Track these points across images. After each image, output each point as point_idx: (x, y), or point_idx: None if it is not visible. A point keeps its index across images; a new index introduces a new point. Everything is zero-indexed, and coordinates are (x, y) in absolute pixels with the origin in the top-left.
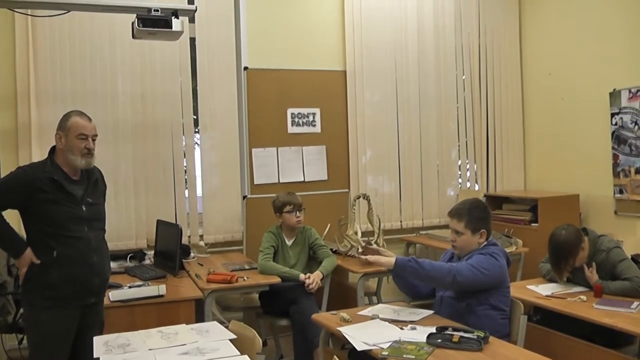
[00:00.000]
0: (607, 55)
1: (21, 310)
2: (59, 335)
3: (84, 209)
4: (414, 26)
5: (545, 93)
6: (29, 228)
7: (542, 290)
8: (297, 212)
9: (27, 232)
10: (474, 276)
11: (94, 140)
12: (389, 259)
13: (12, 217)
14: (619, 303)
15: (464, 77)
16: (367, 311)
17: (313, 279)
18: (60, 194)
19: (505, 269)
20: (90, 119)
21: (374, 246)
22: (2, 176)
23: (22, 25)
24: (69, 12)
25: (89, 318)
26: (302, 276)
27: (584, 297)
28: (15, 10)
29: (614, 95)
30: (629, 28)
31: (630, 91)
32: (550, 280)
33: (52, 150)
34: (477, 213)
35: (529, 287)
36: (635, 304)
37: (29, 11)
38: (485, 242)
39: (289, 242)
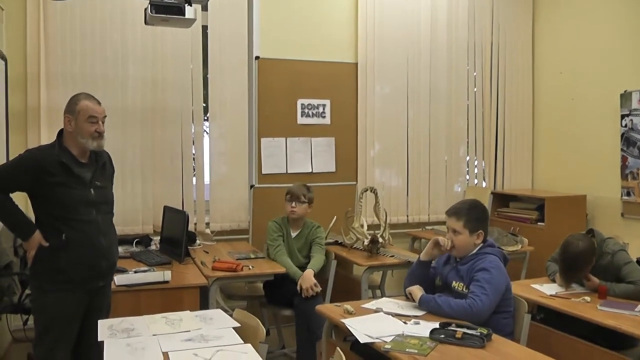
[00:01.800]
0: (619, 56)
1: (27, 291)
2: (65, 318)
3: (92, 192)
4: (427, 21)
5: (556, 92)
6: (38, 211)
7: (547, 290)
8: (294, 203)
9: (36, 215)
10: (490, 302)
11: (103, 122)
12: (417, 294)
13: (21, 200)
14: (623, 305)
15: (475, 74)
16: (371, 304)
17: (306, 288)
18: (69, 177)
19: (506, 272)
20: (99, 102)
21: None
22: (10, 158)
23: (34, 7)
24: None
25: (97, 301)
26: (299, 284)
27: (588, 298)
28: None
29: (625, 97)
30: None
31: None
32: (554, 281)
33: (60, 133)
34: (476, 213)
35: (533, 286)
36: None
37: None
38: (482, 244)
39: (293, 234)
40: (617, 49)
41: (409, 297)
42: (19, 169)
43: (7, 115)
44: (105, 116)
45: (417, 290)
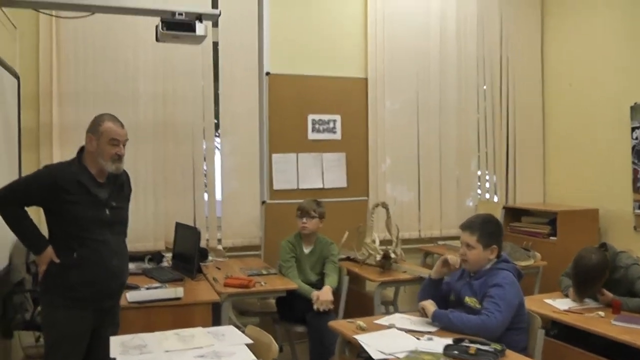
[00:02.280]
0: (629, 68)
1: (39, 308)
2: (74, 336)
3: (107, 212)
4: (436, 35)
5: (566, 105)
6: (51, 227)
7: (560, 305)
8: (305, 219)
9: (50, 231)
10: (503, 319)
11: (124, 145)
12: (430, 311)
13: (34, 214)
14: (637, 320)
15: (484, 87)
16: (384, 320)
17: (322, 301)
18: (85, 196)
19: (520, 288)
20: (122, 125)
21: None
22: (22, 174)
23: (47, 26)
24: (93, 13)
25: (105, 320)
26: (314, 294)
27: (602, 313)
28: (40, 10)
29: (635, 109)
30: None
31: None
32: (567, 296)
33: (81, 150)
34: (490, 228)
35: (547, 301)
36: None
37: (54, 12)
38: (496, 259)
39: (306, 251)
40: (627, 60)
41: (422, 313)
42: (36, 184)
43: (19, 132)
44: (127, 139)
45: (430, 306)
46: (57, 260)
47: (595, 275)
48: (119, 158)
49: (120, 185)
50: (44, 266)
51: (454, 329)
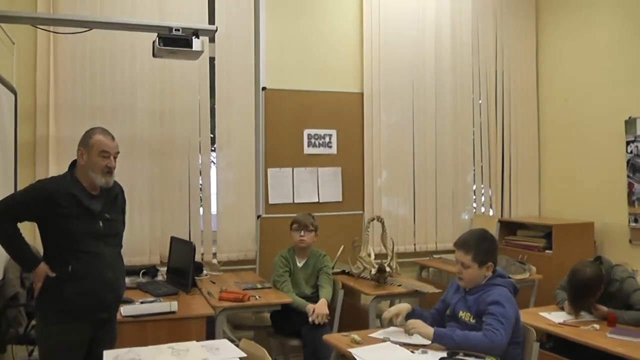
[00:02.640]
0: (623, 82)
1: (33, 322)
2: (69, 349)
3: (101, 224)
4: (432, 50)
5: (561, 119)
6: (46, 241)
7: (555, 318)
8: (302, 232)
9: (44, 245)
10: (508, 335)
11: (115, 158)
12: (428, 330)
13: (29, 229)
14: (633, 333)
15: (480, 102)
16: (379, 334)
17: (317, 313)
18: (78, 208)
19: (515, 303)
20: (113, 138)
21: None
22: (18, 189)
23: (44, 41)
24: (90, 29)
25: (101, 333)
26: (309, 308)
27: (597, 326)
28: (38, 26)
29: (630, 123)
30: None
31: None
32: (562, 309)
33: (73, 164)
34: (485, 246)
35: (542, 314)
36: None
37: (52, 28)
38: (490, 275)
39: (299, 264)
40: (621, 75)
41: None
42: (29, 199)
43: (16, 147)
44: (118, 152)
45: (424, 328)
46: (52, 275)
47: (590, 289)
48: (109, 171)
49: (114, 197)
50: (40, 282)
51: (459, 348)
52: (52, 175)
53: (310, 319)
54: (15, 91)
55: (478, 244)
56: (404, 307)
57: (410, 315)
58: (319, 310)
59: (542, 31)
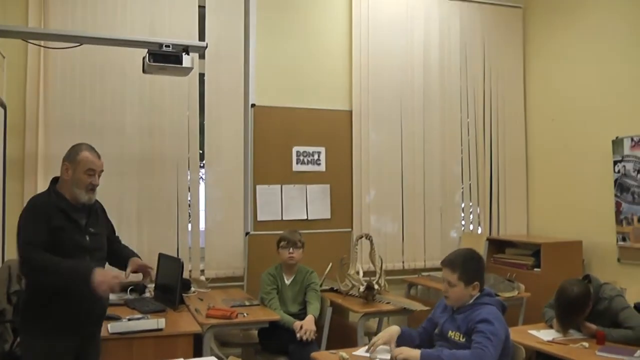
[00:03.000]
0: (610, 103)
1: (19, 339)
2: None
3: (87, 238)
4: (420, 69)
5: (549, 138)
6: None
7: (544, 336)
8: (291, 249)
9: None
10: (497, 353)
11: (99, 175)
12: (415, 353)
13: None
14: (621, 351)
15: (468, 120)
16: (361, 351)
17: (305, 329)
18: (67, 222)
19: (505, 322)
20: (99, 155)
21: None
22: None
23: (35, 56)
24: (81, 44)
25: (87, 348)
26: (296, 324)
27: (586, 344)
28: (29, 41)
29: (617, 143)
30: (633, 76)
31: (632, 139)
32: (551, 327)
33: (54, 181)
34: (472, 265)
35: (531, 332)
36: (639, 352)
37: (42, 42)
38: (478, 294)
39: (287, 281)
40: (608, 95)
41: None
42: (35, 222)
43: (4, 162)
44: (102, 170)
45: (411, 352)
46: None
47: (578, 307)
48: (92, 188)
49: (94, 212)
50: (113, 282)
51: None
52: (35, 195)
53: (298, 335)
54: (4, 105)
55: (464, 263)
56: (394, 331)
57: (399, 338)
58: (306, 326)
59: (529, 51)
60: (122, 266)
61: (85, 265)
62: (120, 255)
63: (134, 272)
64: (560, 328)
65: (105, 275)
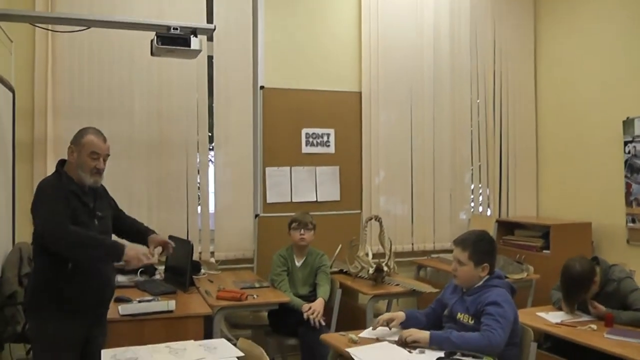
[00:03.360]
0: (621, 83)
1: None
2: (66, 347)
3: (96, 222)
4: (430, 49)
5: (559, 119)
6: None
7: (552, 318)
8: (302, 230)
9: (41, 245)
10: (505, 336)
11: (105, 160)
12: (424, 335)
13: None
14: (630, 333)
15: (478, 101)
16: (366, 332)
17: (314, 310)
18: (80, 205)
19: (514, 304)
20: (105, 139)
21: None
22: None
23: (42, 40)
24: (89, 28)
25: (96, 329)
26: (304, 306)
27: (594, 326)
28: (36, 25)
29: (628, 124)
30: None
31: None
32: (559, 309)
33: (61, 163)
34: (483, 246)
35: (539, 314)
36: None
37: (50, 26)
38: (488, 276)
39: (298, 263)
40: (619, 75)
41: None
42: (60, 198)
43: (14, 145)
44: (109, 155)
45: (420, 333)
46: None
47: (582, 282)
48: (97, 172)
49: (100, 195)
50: (142, 257)
51: (457, 350)
52: (44, 178)
53: (305, 315)
54: (13, 89)
55: (476, 243)
56: (399, 314)
57: (405, 322)
58: (314, 307)
59: (540, 31)
60: (139, 241)
61: (115, 241)
62: (133, 230)
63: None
64: (566, 306)
65: (137, 251)
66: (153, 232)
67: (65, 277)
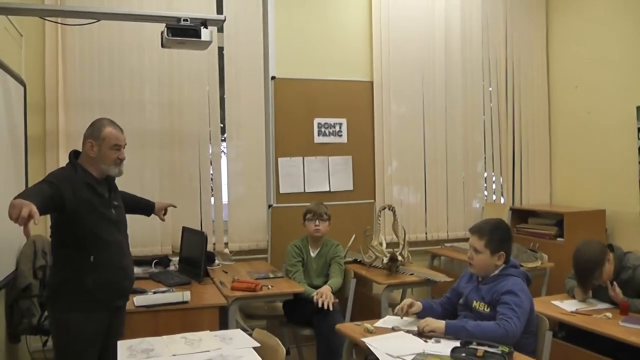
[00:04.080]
0: (634, 69)
1: (46, 313)
2: (87, 339)
3: (113, 212)
4: (441, 37)
5: (572, 106)
6: (65, 234)
7: (567, 306)
8: (317, 221)
9: (62, 239)
10: (522, 325)
11: (124, 149)
12: (440, 324)
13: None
14: None
15: (490, 89)
16: (382, 322)
17: (323, 294)
18: (95, 196)
19: (530, 293)
20: (121, 129)
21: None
22: (29, 180)
23: (52, 33)
24: (99, 21)
25: (115, 320)
26: (314, 295)
27: (609, 314)
28: (46, 18)
29: None
30: None
31: None
32: (573, 297)
33: (74, 155)
34: (499, 234)
35: (554, 302)
36: None
37: (59, 20)
38: (504, 265)
39: (313, 254)
40: (632, 61)
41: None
42: (60, 181)
43: (26, 138)
44: (126, 143)
45: (436, 323)
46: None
47: (593, 262)
48: (120, 162)
49: (113, 185)
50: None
51: (473, 339)
52: (57, 169)
53: (315, 299)
54: (24, 83)
55: (492, 232)
56: (417, 302)
57: (421, 312)
58: (322, 290)
59: (552, 18)
60: (146, 214)
61: (30, 191)
62: (140, 205)
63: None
64: (581, 290)
65: (21, 204)
66: (154, 203)
67: (88, 269)
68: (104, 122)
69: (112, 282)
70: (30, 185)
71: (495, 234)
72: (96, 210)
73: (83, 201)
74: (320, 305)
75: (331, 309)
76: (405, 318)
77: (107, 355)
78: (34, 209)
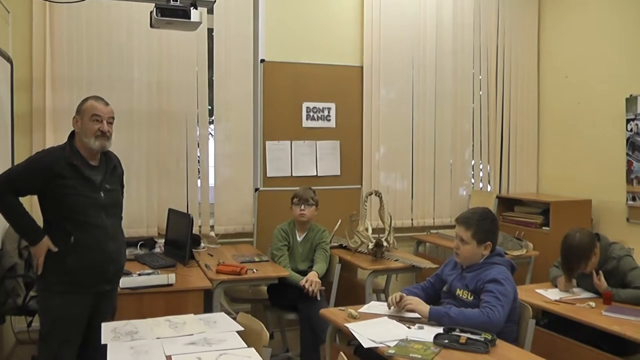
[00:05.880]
0: (624, 60)
1: (31, 293)
2: (71, 320)
3: (102, 195)
4: (433, 24)
5: (561, 96)
6: (47, 213)
7: (551, 295)
8: (303, 206)
9: (44, 217)
10: (505, 313)
11: (110, 123)
12: (423, 308)
13: (26, 201)
14: (628, 311)
15: (480, 77)
16: (365, 308)
17: (311, 281)
18: (79, 179)
19: (514, 282)
20: (106, 103)
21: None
22: (15, 159)
23: (40, 10)
24: None
25: (102, 305)
26: (302, 282)
27: (592, 304)
28: None
29: (630, 101)
30: None
31: None
32: (556, 286)
33: (72, 135)
34: (486, 225)
35: (538, 291)
36: None
37: None
38: (489, 253)
39: (299, 238)
40: (623, 53)
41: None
42: (30, 171)
43: (12, 117)
44: (113, 117)
45: (420, 305)
46: (54, 249)
47: (581, 251)
48: (102, 134)
49: (112, 168)
50: (42, 257)
51: (456, 326)
52: (52, 146)
53: (304, 285)
54: (11, 60)
55: (479, 222)
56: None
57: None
58: (310, 277)
59: (543, 7)
60: None
61: (36, 232)
62: None
63: None
64: (566, 276)
65: (42, 250)
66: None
67: (68, 250)
68: (88, 98)
69: (93, 265)
70: (16, 163)
71: (482, 225)
72: (78, 192)
73: (59, 184)
74: (310, 293)
75: (318, 298)
76: (379, 304)
77: (94, 339)
78: (50, 245)
